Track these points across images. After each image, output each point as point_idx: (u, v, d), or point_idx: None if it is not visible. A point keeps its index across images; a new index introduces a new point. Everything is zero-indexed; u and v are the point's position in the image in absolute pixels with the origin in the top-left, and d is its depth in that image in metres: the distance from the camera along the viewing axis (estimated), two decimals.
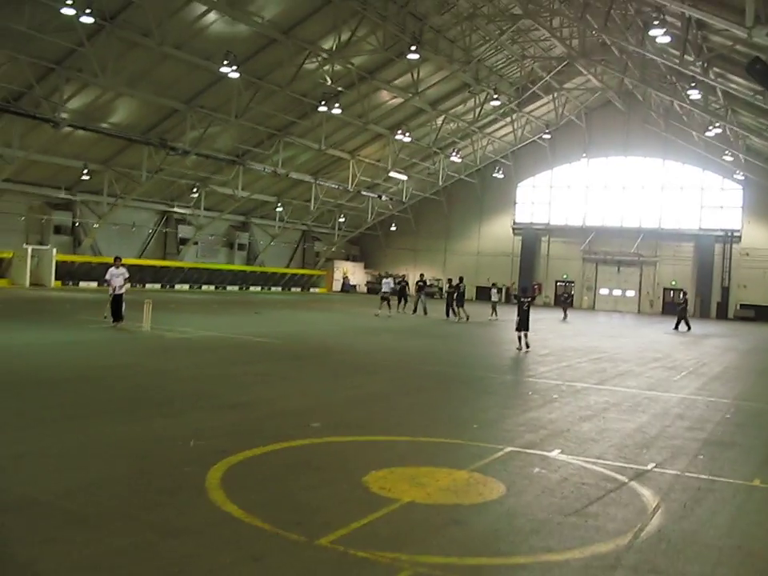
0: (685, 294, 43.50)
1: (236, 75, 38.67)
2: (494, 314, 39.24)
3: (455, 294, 37.13)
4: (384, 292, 38.30)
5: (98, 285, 45.13)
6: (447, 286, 39.54)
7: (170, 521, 6.40)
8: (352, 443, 9.55)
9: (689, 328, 38.46)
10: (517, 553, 6.10)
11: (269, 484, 7.59)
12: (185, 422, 10.34)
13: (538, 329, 36.03)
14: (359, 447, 9.39)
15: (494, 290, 41.23)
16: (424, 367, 17.90)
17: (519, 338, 22.81)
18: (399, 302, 41.39)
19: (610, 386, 16.34)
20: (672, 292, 63.49)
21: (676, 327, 38.91)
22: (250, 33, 39.68)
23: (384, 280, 40.79)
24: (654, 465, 9.22)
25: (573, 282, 67.75)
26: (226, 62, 37.55)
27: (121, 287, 22.57)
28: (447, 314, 37.27)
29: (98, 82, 37.78)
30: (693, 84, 34.70)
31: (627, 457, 9.61)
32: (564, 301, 49.73)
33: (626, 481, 8.40)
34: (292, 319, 33.20)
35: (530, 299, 24.02)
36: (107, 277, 23.18)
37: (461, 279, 38.16)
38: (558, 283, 68.63)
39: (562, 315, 45.03)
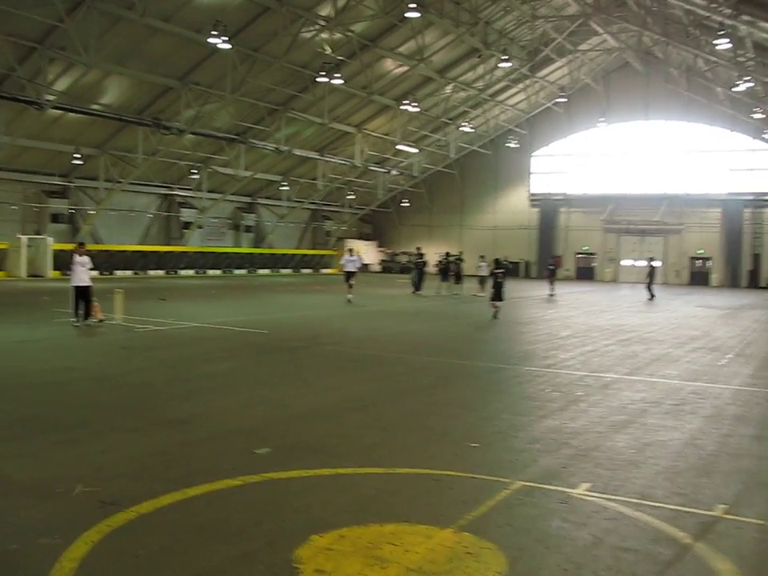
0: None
1: (227, 46, 36.10)
2: (481, 290, 37.40)
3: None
4: (482, 276, 38.28)
5: (99, 273, 43.03)
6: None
7: None
8: (302, 481, 7.04)
9: (652, 296, 38.49)
10: None
11: (147, 571, 5.14)
12: (88, 451, 7.90)
13: (560, 305, 33.62)
14: (309, 488, 6.88)
15: (483, 264, 39.05)
16: (424, 358, 15.33)
17: (494, 309, 24.95)
18: (456, 281, 39.21)
19: (645, 375, 13.72)
20: (699, 261, 60.72)
21: (651, 297, 38.67)
22: (241, 1, 37.09)
23: (481, 263, 39.54)
24: (723, 507, 6.61)
25: (594, 254, 64.96)
26: (215, 33, 34.94)
27: (83, 279, 19.81)
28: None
29: (83, 60, 35.32)
30: (721, 32, 31.50)
31: (683, 492, 7.00)
32: (550, 272, 41.78)
33: (689, 542, 5.78)
34: (292, 304, 30.74)
35: (503, 272, 26.15)
36: (72, 266, 20.34)
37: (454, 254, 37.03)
38: (579, 255, 65.91)
39: (549, 289, 39.82)
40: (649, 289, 39.21)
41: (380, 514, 6.20)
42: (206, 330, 19.54)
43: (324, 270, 67.61)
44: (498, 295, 24.92)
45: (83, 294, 19.61)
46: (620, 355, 16.31)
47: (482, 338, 19.83)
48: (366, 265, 71.04)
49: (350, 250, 36.11)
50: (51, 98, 37.11)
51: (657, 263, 41.30)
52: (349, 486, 6.93)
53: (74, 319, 19.41)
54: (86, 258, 19.92)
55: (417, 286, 38.18)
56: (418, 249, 42.59)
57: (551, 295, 38.04)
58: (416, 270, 39.46)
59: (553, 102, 61.80)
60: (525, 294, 39.69)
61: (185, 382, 11.94)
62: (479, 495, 6.71)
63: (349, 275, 32.11)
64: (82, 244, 20.86)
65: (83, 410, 9.87)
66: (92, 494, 6.44)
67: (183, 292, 36.30)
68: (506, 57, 44.99)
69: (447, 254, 40.65)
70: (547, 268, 42.23)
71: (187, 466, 7.39)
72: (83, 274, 19.66)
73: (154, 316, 21.48)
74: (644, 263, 61.90)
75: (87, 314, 19.63)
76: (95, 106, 41.61)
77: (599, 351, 16.93)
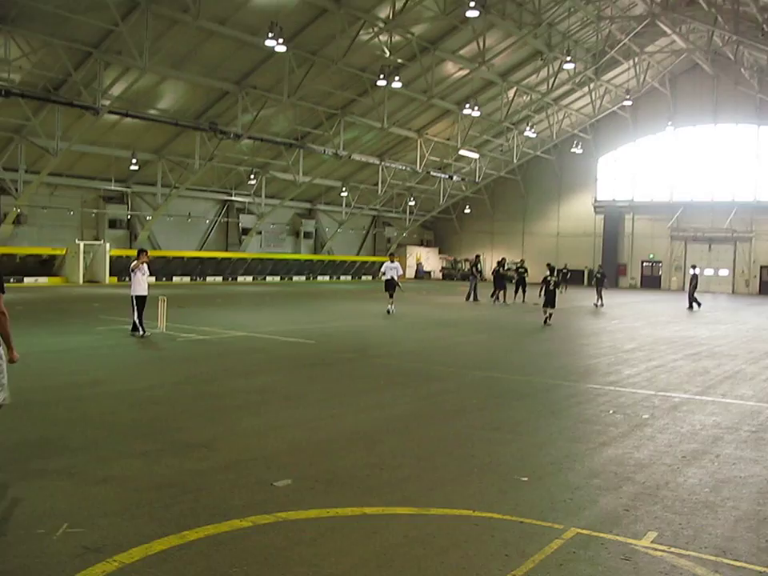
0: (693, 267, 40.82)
1: (283, 49, 35.41)
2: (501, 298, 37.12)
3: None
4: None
5: (156, 280, 42.78)
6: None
7: None
8: (319, 523, 6.09)
9: (699, 305, 37.40)
10: None
11: None
12: (87, 481, 7.06)
13: (624, 315, 32.27)
14: (326, 533, 5.91)
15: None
16: (476, 373, 14.33)
17: (546, 314, 25.53)
18: (516, 291, 38.11)
19: (718, 395, 12.55)
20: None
21: (690, 306, 37.46)
22: (297, 2, 36.43)
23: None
24: None
25: (660, 262, 63.06)
26: (271, 35, 34.32)
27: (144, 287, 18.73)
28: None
29: (138, 65, 34.98)
30: None
31: None
32: (599, 281, 39.64)
33: None
34: (346, 312, 29.89)
35: (556, 280, 26.37)
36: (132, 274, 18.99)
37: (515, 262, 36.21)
38: (645, 263, 64.09)
39: (597, 300, 37.88)
40: (692, 298, 37.65)
41: (405, 570, 5.24)
42: (251, 339, 18.77)
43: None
44: (550, 301, 25.55)
45: (142, 303, 18.71)
46: (689, 372, 15.11)
47: (540, 351, 18.61)
48: (427, 272, 70.29)
49: (391, 255, 32.62)
50: (107, 102, 36.87)
51: (697, 270, 39.63)
52: (373, 532, 5.95)
53: (140, 332, 18.23)
54: (144, 267, 18.97)
55: (472, 294, 37.36)
56: (477, 257, 41.34)
57: (596, 305, 36.65)
58: (471, 277, 38.60)
59: (618, 105, 60.16)
60: (586, 303, 38.30)
61: (213, 399, 11.08)
62: (526, 546, 5.70)
63: (388, 284, 29.03)
64: (144, 251, 19.72)
65: (96, 430, 9.05)
66: (75, 537, 5.58)
67: (237, 299, 35.75)
68: (570, 58, 43.68)
69: (501, 261, 39.27)
70: (595, 276, 40.67)
71: (193, 502, 6.49)
72: (144, 282, 18.84)
73: (201, 324, 20.79)
74: (711, 272, 60.26)
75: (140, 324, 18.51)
76: (152, 111, 41.39)
77: (666, 367, 15.73)
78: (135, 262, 18.74)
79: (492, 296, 36.89)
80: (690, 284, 38.66)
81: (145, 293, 18.62)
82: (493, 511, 6.45)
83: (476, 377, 13.97)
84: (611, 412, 10.90)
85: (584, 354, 18.46)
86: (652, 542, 5.86)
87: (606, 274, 40.74)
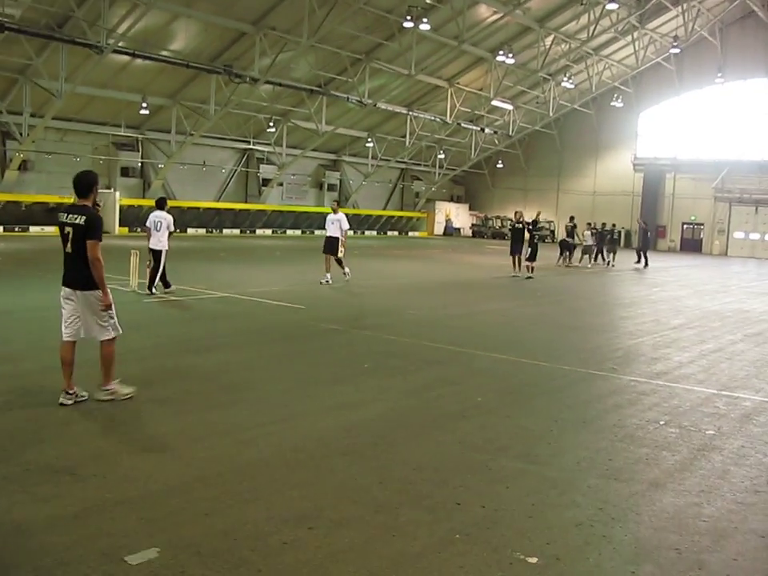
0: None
1: None
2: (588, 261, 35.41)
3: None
4: (587, 245, 35.56)
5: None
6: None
7: None
8: None
9: (646, 263, 35.91)
10: None
11: None
12: None
13: (666, 281, 29.51)
14: None
15: (588, 232, 35.62)
16: (489, 355, 11.64)
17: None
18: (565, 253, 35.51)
19: None
20: None
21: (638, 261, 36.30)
22: None
23: (586, 231, 35.84)
24: None
25: (702, 224, 59.77)
26: None
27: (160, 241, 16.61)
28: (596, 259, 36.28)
29: (146, 0, 32.42)
30: None
31: None
32: (642, 242, 38.23)
33: None
34: (357, 271, 27.23)
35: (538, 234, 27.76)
36: (147, 224, 16.96)
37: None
38: (685, 226, 60.82)
39: (640, 261, 36.30)
40: (639, 254, 36.62)
41: None
42: (233, 302, 16.33)
43: (412, 233, 64.24)
44: (533, 255, 26.59)
45: (156, 258, 16.62)
46: (755, 359, 12.33)
47: (571, 325, 15.78)
48: (457, 229, 67.53)
49: (335, 203, 23.45)
50: (112, 41, 34.24)
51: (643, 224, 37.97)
52: None
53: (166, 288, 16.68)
54: (168, 217, 16.77)
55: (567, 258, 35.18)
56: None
57: (637, 266, 35.62)
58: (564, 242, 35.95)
59: (663, 56, 56.49)
60: (624, 265, 35.48)
61: (139, 388, 8.36)
62: None
63: (329, 244, 21.33)
64: (163, 198, 17.47)
65: None
66: None
67: (245, 253, 33.39)
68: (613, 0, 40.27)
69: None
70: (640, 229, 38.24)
71: None
72: (162, 235, 16.59)
73: (186, 282, 18.25)
74: (758, 236, 56.92)
75: (152, 281, 16.70)
76: (164, 53, 38.75)
77: (725, 351, 13.01)
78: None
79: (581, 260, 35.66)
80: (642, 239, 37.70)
81: (158, 246, 16.53)
82: None
83: (488, 360, 11.33)
84: (662, 423, 8.20)
85: (624, 330, 15.70)
86: None
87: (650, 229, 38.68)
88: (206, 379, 9.29)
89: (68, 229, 7.81)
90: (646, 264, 35.37)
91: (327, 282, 20.66)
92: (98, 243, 7.75)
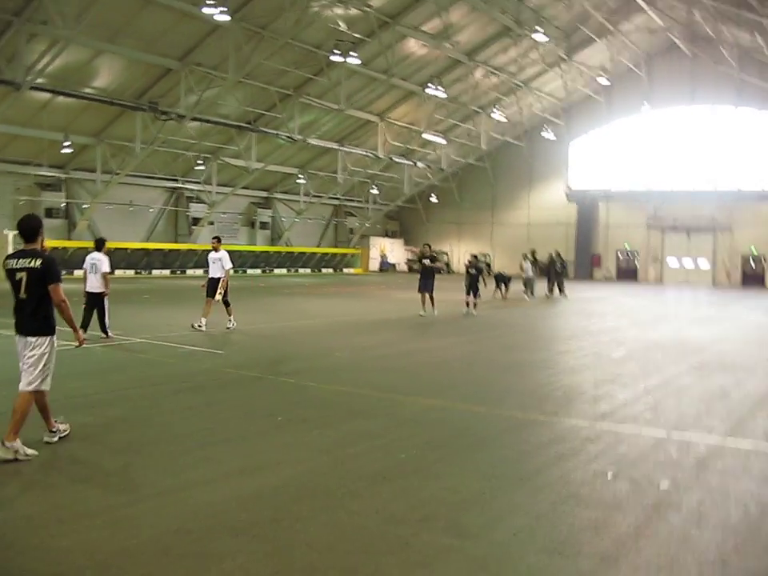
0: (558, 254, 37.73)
1: (225, 18, 32.01)
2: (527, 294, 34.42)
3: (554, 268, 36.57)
4: (527, 278, 34.45)
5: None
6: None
7: None
8: None
9: (561, 291, 36.05)
10: None
11: None
12: None
13: (604, 311, 29.08)
14: None
15: (527, 264, 34.75)
16: (418, 401, 10.69)
17: (467, 303, 25.47)
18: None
19: (759, 437, 9.09)
20: (752, 260, 55.59)
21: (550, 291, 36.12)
22: None
23: (524, 263, 34.90)
24: None
25: (637, 252, 60.07)
26: (210, 1, 30.77)
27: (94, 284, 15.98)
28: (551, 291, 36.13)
29: (63, 34, 31.40)
30: None
31: None
32: (558, 272, 36.94)
33: None
34: (288, 310, 26.25)
35: (477, 269, 26.32)
36: (84, 266, 16.24)
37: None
38: (620, 255, 61.05)
39: (552, 290, 36.18)
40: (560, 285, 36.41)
41: None
42: (145, 348, 15.29)
43: (347, 270, 63.49)
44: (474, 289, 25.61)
45: (94, 302, 15.92)
46: (702, 394, 11.69)
47: (508, 363, 15.02)
48: (392, 265, 66.95)
49: (215, 240, 19.39)
50: (30, 78, 33.11)
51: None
52: None
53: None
54: (104, 258, 16.10)
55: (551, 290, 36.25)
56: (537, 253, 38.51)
57: (547, 295, 35.41)
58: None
59: (592, 87, 56.80)
60: (562, 296, 35.10)
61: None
62: None
63: (211, 286, 18.65)
64: (102, 240, 16.60)
65: None
66: None
67: (171, 294, 32.29)
68: (540, 30, 40.23)
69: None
70: (552, 263, 37.41)
71: None
72: (96, 278, 15.94)
73: (97, 328, 17.08)
74: (691, 263, 57.27)
75: (103, 328, 16.08)
76: (87, 90, 37.69)
77: (671, 386, 12.36)
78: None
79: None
80: (551, 269, 36.68)
81: (94, 290, 15.98)
82: None
83: (417, 407, 10.40)
84: (609, 477, 7.37)
85: (564, 366, 14.96)
86: None
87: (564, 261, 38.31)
88: (91, 441, 8.27)
89: (20, 274, 7.55)
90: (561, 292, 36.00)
91: (200, 327, 18.13)
92: (60, 285, 7.64)
